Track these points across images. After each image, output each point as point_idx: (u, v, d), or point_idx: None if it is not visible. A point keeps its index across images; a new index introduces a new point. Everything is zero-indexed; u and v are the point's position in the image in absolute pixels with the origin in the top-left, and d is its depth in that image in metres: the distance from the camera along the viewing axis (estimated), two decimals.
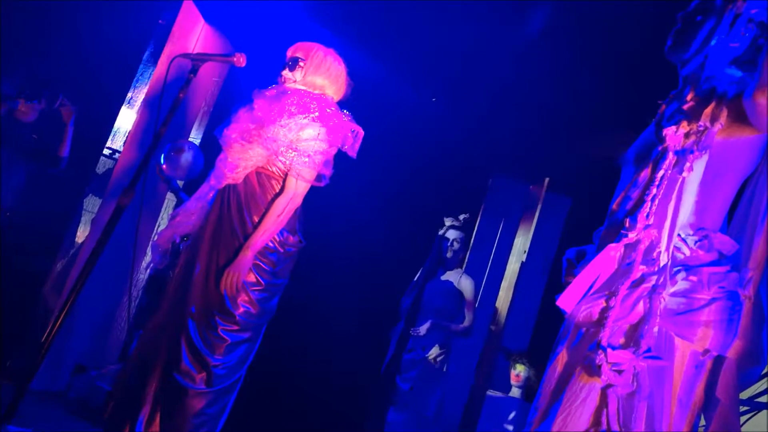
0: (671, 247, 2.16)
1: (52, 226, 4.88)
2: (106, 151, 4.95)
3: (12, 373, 4.20)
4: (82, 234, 4.75)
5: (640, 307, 2.12)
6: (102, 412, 2.89)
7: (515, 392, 5.21)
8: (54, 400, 4.33)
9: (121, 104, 4.94)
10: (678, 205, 2.16)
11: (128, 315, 4.86)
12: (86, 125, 4.83)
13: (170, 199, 5.34)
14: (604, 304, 2.16)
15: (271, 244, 2.93)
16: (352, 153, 3.07)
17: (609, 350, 2.08)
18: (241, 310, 2.87)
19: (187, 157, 4.76)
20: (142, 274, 5.23)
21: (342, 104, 3.13)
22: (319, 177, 3.01)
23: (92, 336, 4.94)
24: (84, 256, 4.49)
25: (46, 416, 3.90)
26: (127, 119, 4.93)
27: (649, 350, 2.08)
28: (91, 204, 4.84)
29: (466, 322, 5.01)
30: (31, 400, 2.93)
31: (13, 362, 4.30)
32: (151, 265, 5.03)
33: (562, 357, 2.27)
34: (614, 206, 2.32)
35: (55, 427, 3.77)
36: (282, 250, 2.97)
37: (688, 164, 2.15)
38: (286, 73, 3.09)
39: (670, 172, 2.18)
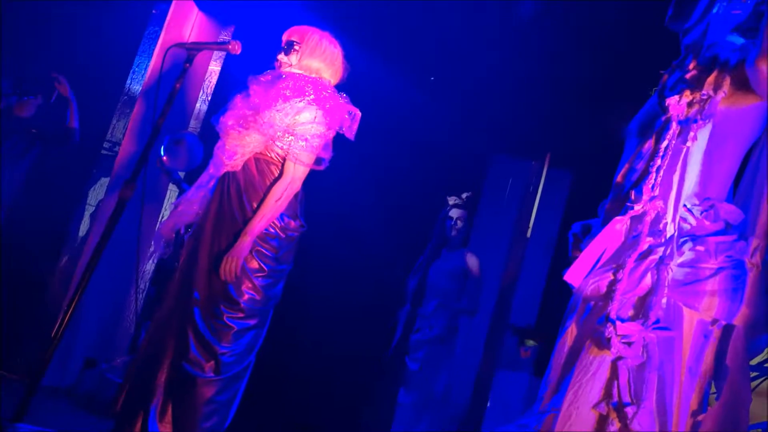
0: (677, 218, 2.15)
1: (56, 221, 4.89)
2: (105, 144, 4.94)
3: (22, 370, 4.22)
4: (86, 228, 4.75)
5: (648, 279, 2.11)
6: (113, 405, 2.89)
7: (525, 369, 5.23)
8: (64, 395, 4.35)
9: (119, 97, 4.92)
10: (683, 176, 2.15)
11: (136, 307, 4.87)
12: (85, 120, 4.82)
13: (172, 190, 5.33)
14: (612, 277, 2.15)
15: (272, 230, 2.92)
16: (350, 135, 3.04)
17: (618, 323, 2.08)
18: (246, 297, 2.86)
19: (186, 147, 4.75)
20: (149, 266, 5.24)
21: (339, 87, 3.10)
22: (318, 160, 2.99)
23: (101, 329, 4.96)
24: (89, 250, 4.49)
25: (57, 412, 3.92)
26: (125, 112, 4.91)
27: (657, 321, 2.08)
28: (94, 198, 4.84)
29: (473, 301, 5.02)
30: (42, 396, 2.94)
31: (23, 359, 4.32)
32: (156, 256, 5.03)
33: (571, 331, 2.27)
34: (619, 178, 2.31)
35: (66, 422, 3.79)
36: (284, 236, 2.96)
37: (691, 134, 2.13)
38: (281, 57, 3.06)
39: (674, 142, 2.16)
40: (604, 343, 2.09)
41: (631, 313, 2.11)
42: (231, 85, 3.19)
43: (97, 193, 4.82)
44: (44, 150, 4.81)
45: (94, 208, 4.77)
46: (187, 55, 2.82)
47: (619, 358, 2.07)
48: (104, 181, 4.81)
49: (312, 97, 2.94)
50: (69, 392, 4.44)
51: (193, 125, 5.47)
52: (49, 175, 4.91)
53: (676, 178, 2.16)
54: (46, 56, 4.88)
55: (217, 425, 2.83)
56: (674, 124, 2.18)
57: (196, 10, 5.21)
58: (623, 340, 2.05)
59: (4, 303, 4.55)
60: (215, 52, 5.48)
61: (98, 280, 3.85)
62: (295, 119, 2.92)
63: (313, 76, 3.04)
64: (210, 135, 3.23)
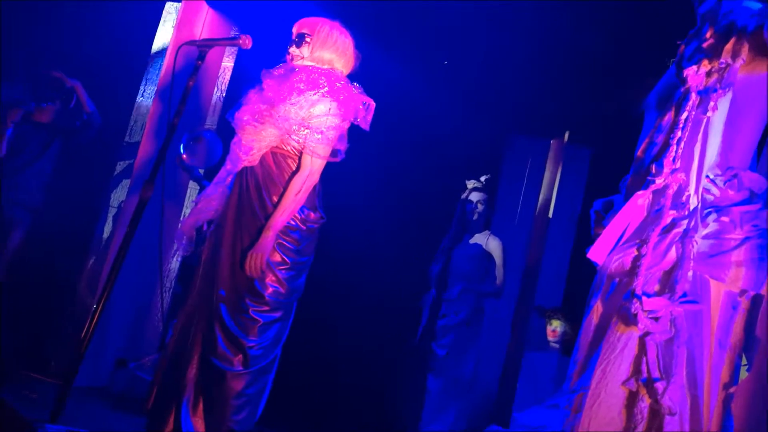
0: (700, 190, 2.13)
1: (81, 224, 4.94)
2: (124, 145, 4.98)
3: (54, 372, 4.28)
4: (110, 230, 4.80)
5: (673, 252, 2.09)
6: (145, 403, 2.93)
7: (553, 348, 5.21)
8: (97, 395, 4.41)
9: (135, 98, 4.96)
10: (704, 146, 2.12)
11: (162, 305, 4.93)
12: (103, 122, 4.87)
13: (193, 187, 5.37)
14: (636, 253, 2.14)
15: (293, 223, 2.93)
16: (365, 125, 3.03)
17: (644, 298, 2.07)
18: (270, 290, 2.88)
19: (205, 144, 4.77)
20: (173, 264, 5.29)
21: (352, 76, 3.10)
22: (335, 152, 2.98)
23: (130, 329, 5.02)
24: (113, 251, 4.54)
25: (91, 412, 3.97)
26: (142, 112, 4.94)
27: (684, 295, 2.06)
28: (117, 199, 4.89)
29: (497, 283, 5.01)
30: (75, 397, 2.98)
31: (54, 361, 4.39)
32: (180, 253, 5.07)
33: (597, 309, 2.26)
34: (639, 153, 2.28)
35: (101, 421, 3.84)
36: (304, 228, 2.96)
37: (712, 103, 2.10)
38: (293, 50, 3.06)
39: (694, 113, 2.13)
40: (630, 320, 2.08)
41: (656, 287, 2.10)
42: (245, 80, 3.19)
43: (119, 194, 4.86)
44: (67, 144, 4.86)
45: (116, 209, 4.82)
46: (199, 52, 2.83)
47: (647, 333, 2.06)
48: (125, 183, 4.85)
49: (326, 89, 2.93)
50: (102, 392, 4.50)
51: (210, 122, 5.50)
52: (72, 178, 4.97)
53: (697, 149, 2.13)
54: (59, 61, 4.91)
55: (248, 418, 2.86)
56: (693, 95, 2.15)
57: (206, 7, 5.22)
58: (650, 316, 2.04)
59: (33, 306, 4.63)
60: (228, 48, 5.49)
61: (124, 280, 3.90)
62: (309, 112, 2.92)
63: (326, 67, 3.04)
64: (227, 131, 3.24)
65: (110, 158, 4.92)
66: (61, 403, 2.53)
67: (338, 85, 2.96)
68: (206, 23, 5.22)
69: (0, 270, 4.65)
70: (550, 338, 5.24)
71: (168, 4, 5.12)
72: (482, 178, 5.15)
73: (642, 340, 2.06)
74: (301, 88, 2.93)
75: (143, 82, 4.95)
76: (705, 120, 2.11)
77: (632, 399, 2.05)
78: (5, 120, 4.61)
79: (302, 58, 3.05)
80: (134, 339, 5.04)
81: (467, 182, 5.16)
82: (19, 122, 4.65)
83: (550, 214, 6.01)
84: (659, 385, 1.99)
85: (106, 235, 4.80)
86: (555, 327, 5.24)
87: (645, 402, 2.02)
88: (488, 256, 5.05)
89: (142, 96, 4.93)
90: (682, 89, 2.18)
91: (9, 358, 3.86)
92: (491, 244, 5.05)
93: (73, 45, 5.05)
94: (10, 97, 4.71)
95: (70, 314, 4.61)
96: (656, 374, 2.02)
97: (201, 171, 4.95)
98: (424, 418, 4.80)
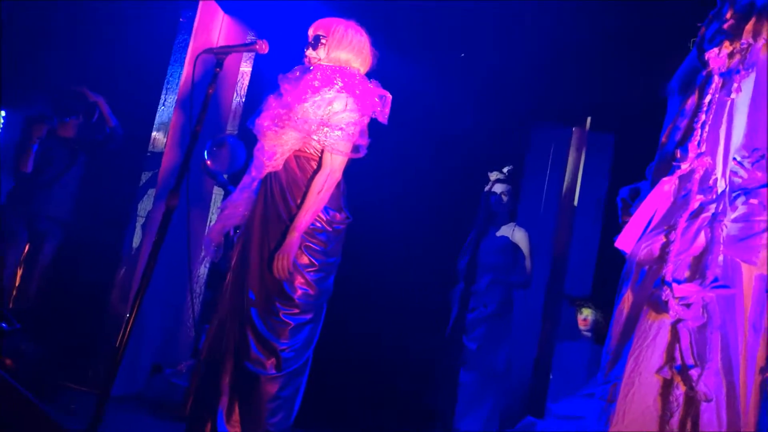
0: (727, 172, 2.10)
1: (110, 234, 5.01)
2: (148, 155, 5.04)
3: (91, 382, 4.35)
4: (139, 240, 4.87)
5: (702, 237, 2.07)
6: (182, 409, 2.97)
7: (584, 336, 5.18)
8: (133, 402, 4.47)
9: (156, 108, 5.01)
10: (730, 129, 2.10)
11: (193, 311, 4.98)
12: (126, 134, 4.93)
13: (218, 193, 5.41)
14: (665, 240, 2.12)
15: (318, 224, 2.94)
16: (383, 119, 3.03)
17: (674, 285, 2.05)
18: (300, 292, 2.90)
19: (228, 149, 4.81)
20: (202, 270, 5.34)
21: (368, 74, 3.09)
22: (356, 148, 2.98)
23: (163, 336, 5.08)
24: (143, 259, 4.59)
25: (129, 420, 4.03)
26: (164, 122, 5.00)
27: (715, 280, 2.04)
28: (144, 209, 4.95)
29: (525, 274, 4.99)
30: (113, 405, 3.03)
31: (91, 371, 4.46)
32: (209, 259, 5.12)
33: (627, 298, 2.25)
34: (663, 139, 2.26)
35: (139, 429, 3.90)
36: (330, 229, 2.98)
37: (735, 85, 2.08)
38: (309, 52, 3.07)
39: (717, 95, 2.11)
40: (662, 307, 2.06)
41: (687, 274, 2.08)
42: (264, 83, 3.21)
43: (145, 204, 4.93)
44: (92, 157, 4.93)
45: (144, 219, 4.88)
46: (217, 59, 2.85)
47: (679, 320, 2.04)
48: (151, 192, 4.91)
49: (341, 85, 2.94)
50: (138, 399, 4.56)
51: (231, 127, 5.53)
52: (99, 190, 5.04)
53: (722, 131, 2.11)
54: (80, 76, 4.98)
55: (283, 420, 2.88)
56: (716, 77, 2.12)
57: (222, 13, 5.25)
58: (681, 302, 2.02)
59: (68, 317, 4.70)
60: (245, 53, 5.51)
61: (155, 288, 3.93)
62: (327, 110, 2.93)
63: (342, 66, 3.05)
64: (248, 135, 3.26)
65: (135, 169, 4.97)
66: (100, 413, 2.56)
67: (353, 80, 2.97)
68: (223, 29, 5.25)
69: (33, 283, 4.74)
70: (581, 327, 5.21)
71: (184, 13, 5.17)
72: (505, 169, 5.12)
73: (674, 327, 2.05)
74: (316, 86, 2.94)
75: (163, 92, 5.00)
76: (729, 102, 2.09)
77: (667, 387, 2.03)
78: (31, 136, 4.69)
79: (319, 59, 3.06)
80: (168, 345, 5.11)
81: (490, 174, 5.13)
82: (44, 138, 4.73)
83: (576, 202, 5.96)
84: (694, 372, 1.97)
85: (135, 244, 4.86)
86: (586, 316, 5.21)
87: (680, 389, 2.00)
88: (515, 247, 5.02)
89: (163, 105, 4.98)
90: (705, 72, 2.15)
91: (47, 371, 3.93)
92: (517, 235, 5.03)
93: (92, 59, 5.11)
94: (34, 114, 4.79)
95: (104, 324, 4.68)
96: (690, 361, 2.00)
97: (225, 176, 4.99)
98: (458, 412, 4.80)
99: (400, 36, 5.03)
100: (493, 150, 5.69)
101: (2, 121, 5.43)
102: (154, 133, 4.95)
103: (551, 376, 5.40)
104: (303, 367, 2.96)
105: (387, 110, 3.02)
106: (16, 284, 4.71)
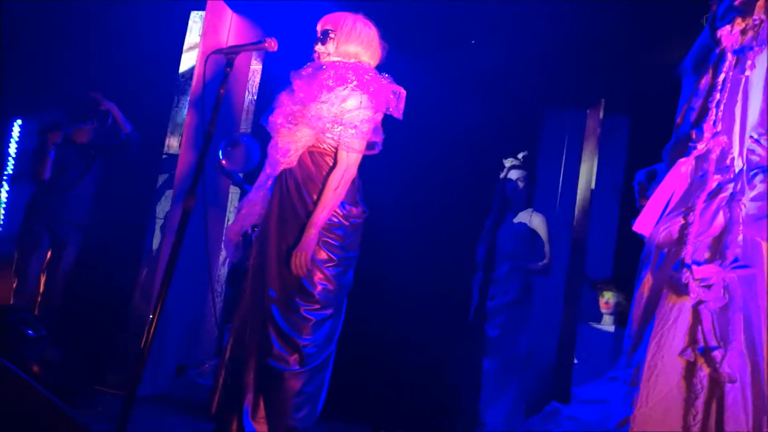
0: (744, 151, 2.08)
1: (130, 237, 5.06)
2: (164, 157, 5.07)
3: (117, 383, 4.40)
4: (158, 241, 4.90)
5: (720, 217, 2.05)
6: (208, 408, 3.00)
7: (607, 320, 5.16)
8: (158, 402, 4.52)
9: (169, 110, 5.04)
10: (745, 106, 2.07)
11: (214, 310, 5.02)
12: (141, 137, 4.96)
13: (234, 192, 5.44)
14: (683, 221, 2.10)
15: (335, 219, 2.95)
16: (398, 114, 3.03)
17: (694, 267, 2.03)
18: (319, 288, 2.91)
19: (243, 149, 4.83)
20: (222, 269, 5.38)
21: (379, 68, 3.09)
22: (371, 144, 2.99)
23: (186, 335, 5.12)
24: (164, 261, 4.63)
25: (154, 420, 4.07)
26: (177, 123, 5.03)
27: (736, 260, 2.02)
28: (162, 210, 4.99)
29: (545, 260, 4.96)
30: (140, 406, 3.06)
31: (116, 372, 4.50)
32: (228, 259, 5.16)
33: (647, 281, 2.24)
34: (679, 120, 2.24)
35: (166, 429, 3.94)
36: (347, 224, 2.99)
37: (749, 62, 2.05)
38: (318, 47, 3.07)
39: (731, 73, 2.09)
40: (682, 289, 2.05)
41: (707, 255, 2.06)
42: (274, 81, 3.22)
43: (163, 206, 4.96)
44: (108, 162, 4.97)
45: (162, 220, 4.92)
46: (227, 59, 2.86)
47: (700, 302, 2.03)
48: (168, 194, 4.95)
49: (355, 83, 2.94)
50: (163, 399, 4.61)
51: (244, 125, 5.55)
52: (118, 193, 5.08)
53: (738, 110, 2.08)
54: (92, 81, 5.02)
55: (308, 415, 2.90)
56: (729, 55, 2.09)
57: (230, 12, 5.26)
58: (702, 284, 2.01)
59: (92, 320, 4.76)
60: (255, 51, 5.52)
61: (177, 288, 3.97)
62: (341, 108, 2.93)
63: (353, 61, 3.04)
64: (262, 133, 3.28)
65: (151, 171, 5.01)
66: (127, 414, 2.59)
67: (367, 77, 2.97)
68: (232, 28, 5.26)
69: (57, 288, 4.80)
70: (603, 310, 5.20)
71: (193, 13, 5.18)
72: (520, 155, 5.09)
73: (695, 309, 2.03)
74: (330, 84, 2.94)
75: (176, 94, 5.03)
76: (744, 79, 2.06)
77: (690, 369, 2.02)
78: (47, 143, 4.74)
79: (328, 54, 3.06)
80: (191, 345, 5.15)
81: (505, 161, 5.11)
82: (60, 144, 4.77)
83: (593, 185, 5.92)
84: (717, 354, 1.96)
85: (155, 246, 4.91)
86: (608, 299, 5.20)
87: (704, 371, 1.99)
88: (533, 233, 5.00)
89: (176, 107, 5.00)
90: (718, 50, 2.12)
91: (73, 374, 3.98)
92: (535, 220, 5.00)
93: (103, 64, 5.15)
94: (48, 121, 4.83)
95: (128, 326, 4.72)
96: (713, 342, 1.99)
97: (241, 175, 5.01)
98: (483, 400, 4.80)
99: (408, 25, 5.00)
100: (508, 136, 5.66)
101: (19, 129, 5.49)
102: (168, 136, 4.99)
103: (575, 360, 5.38)
104: (326, 362, 2.98)
105: (401, 105, 3.03)
106: (41, 291, 4.77)
